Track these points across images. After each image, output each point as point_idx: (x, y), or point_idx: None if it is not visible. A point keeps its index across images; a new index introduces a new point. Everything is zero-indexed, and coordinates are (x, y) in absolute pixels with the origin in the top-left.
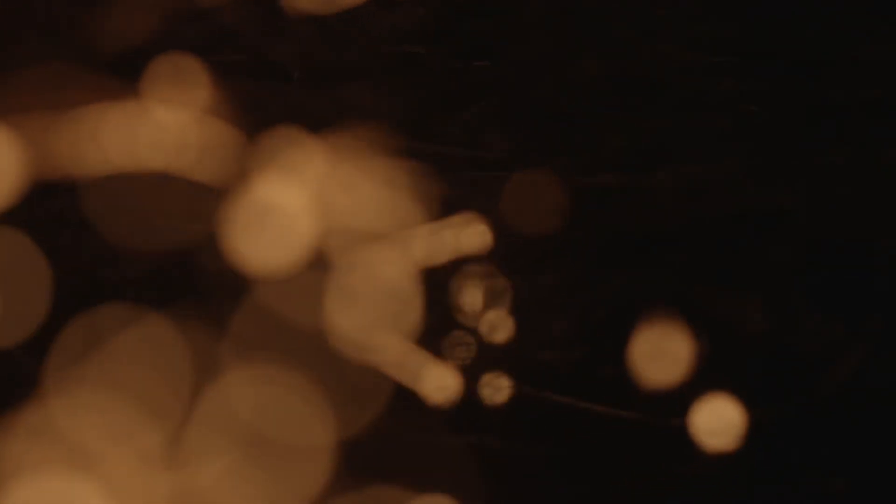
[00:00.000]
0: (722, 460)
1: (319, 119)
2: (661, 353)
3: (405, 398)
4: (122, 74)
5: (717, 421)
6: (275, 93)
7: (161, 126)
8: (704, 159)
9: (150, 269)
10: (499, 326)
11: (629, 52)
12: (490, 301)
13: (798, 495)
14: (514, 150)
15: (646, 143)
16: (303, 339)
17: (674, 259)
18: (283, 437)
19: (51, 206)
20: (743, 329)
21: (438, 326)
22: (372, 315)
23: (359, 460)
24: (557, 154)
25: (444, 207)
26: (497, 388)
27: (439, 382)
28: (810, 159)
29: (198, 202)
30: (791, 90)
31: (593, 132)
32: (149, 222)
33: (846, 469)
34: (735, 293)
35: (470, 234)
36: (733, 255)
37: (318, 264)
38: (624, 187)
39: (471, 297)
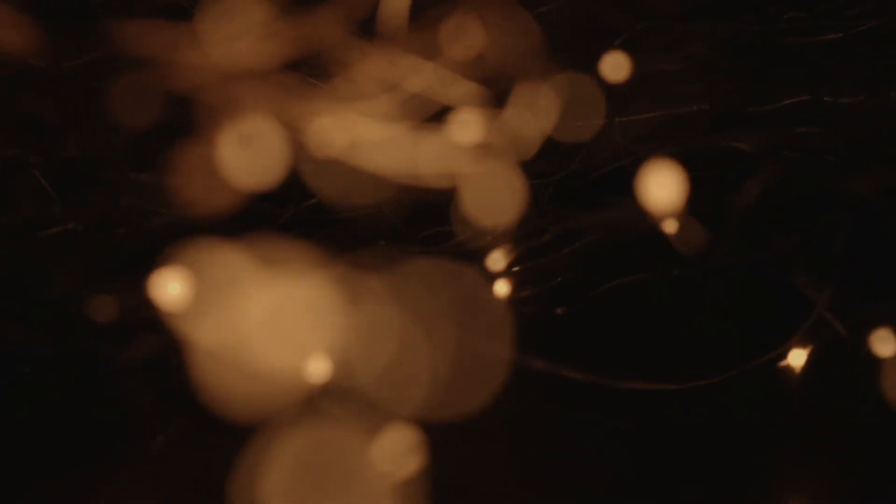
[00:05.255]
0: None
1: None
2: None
3: None
4: None
5: None
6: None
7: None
8: (655, 102)
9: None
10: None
11: None
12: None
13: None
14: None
15: (597, 87)
16: None
17: (627, 202)
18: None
19: None
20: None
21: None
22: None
23: None
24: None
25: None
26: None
27: None
28: (764, 103)
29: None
30: (744, 32)
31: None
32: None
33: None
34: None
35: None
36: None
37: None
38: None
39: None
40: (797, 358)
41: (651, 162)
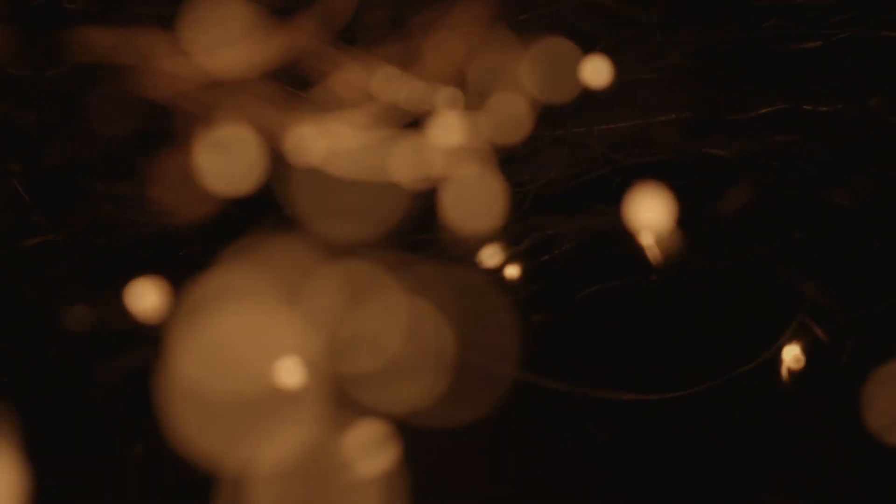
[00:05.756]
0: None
1: None
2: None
3: None
4: None
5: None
6: None
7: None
8: (635, 110)
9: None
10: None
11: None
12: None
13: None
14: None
15: (574, 95)
16: None
17: (601, 209)
18: None
19: None
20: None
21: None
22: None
23: None
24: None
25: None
26: None
27: None
28: (744, 111)
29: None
30: (724, 40)
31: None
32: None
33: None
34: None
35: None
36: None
37: None
38: (555, 138)
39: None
40: (777, 364)
41: (631, 171)
